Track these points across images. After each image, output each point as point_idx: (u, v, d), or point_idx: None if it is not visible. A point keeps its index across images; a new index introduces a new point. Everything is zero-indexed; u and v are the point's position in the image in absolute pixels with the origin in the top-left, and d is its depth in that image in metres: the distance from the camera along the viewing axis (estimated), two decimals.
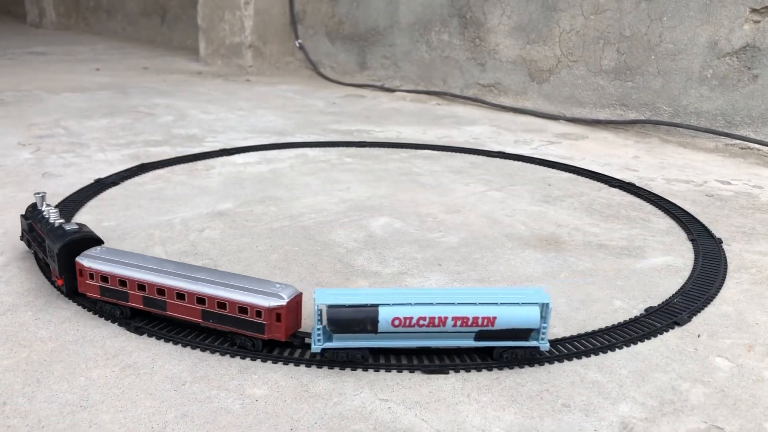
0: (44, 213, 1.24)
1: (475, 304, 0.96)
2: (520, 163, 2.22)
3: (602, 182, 2.01)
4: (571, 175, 2.09)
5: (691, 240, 1.55)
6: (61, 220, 1.20)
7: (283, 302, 0.97)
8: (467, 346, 0.99)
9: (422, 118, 2.91)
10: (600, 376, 0.98)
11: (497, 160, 2.25)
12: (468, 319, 0.95)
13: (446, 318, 0.95)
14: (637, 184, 1.97)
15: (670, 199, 1.84)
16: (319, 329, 0.96)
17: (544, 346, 0.99)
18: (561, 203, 1.80)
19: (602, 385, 0.96)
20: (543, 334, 0.98)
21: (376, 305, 0.95)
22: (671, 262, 1.43)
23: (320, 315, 0.95)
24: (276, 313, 0.97)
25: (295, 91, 3.57)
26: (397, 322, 0.95)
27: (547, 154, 2.34)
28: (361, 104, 3.25)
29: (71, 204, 1.65)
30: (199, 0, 4.40)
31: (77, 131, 2.44)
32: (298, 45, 4.23)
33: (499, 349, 0.98)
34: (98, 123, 2.59)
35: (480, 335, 0.97)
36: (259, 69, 4.21)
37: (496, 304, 0.96)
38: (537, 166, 2.18)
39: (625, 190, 1.93)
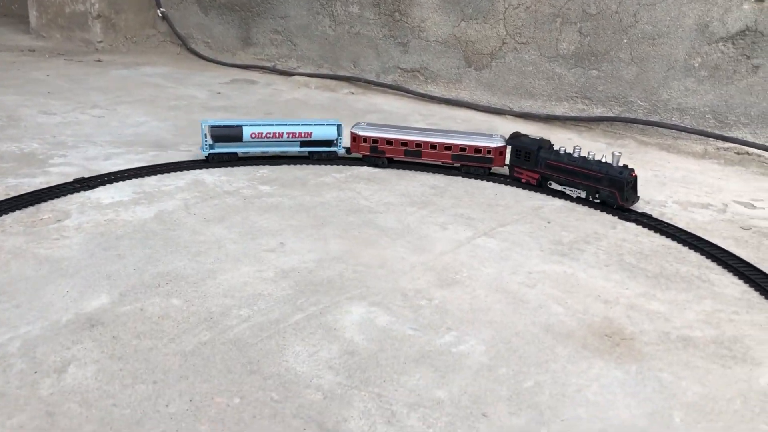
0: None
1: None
2: (491, 183, 1.71)
3: (608, 213, 1.54)
4: (564, 202, 1.61)
5: None
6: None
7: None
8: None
9: (339, 114, 2.31)
10: None
11: (459, 179, 1.73)
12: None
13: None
14: (653, 215, 1.52)
15: (706, 238, 1.41)
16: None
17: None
18: (581, 255, 1.31)
19: None
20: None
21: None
22: None
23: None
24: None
25: (164, 76, 2.83)
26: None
27: None
28: (255, 94, 2.59)
29: None
30: None
31: None
32: (160, 15, 3.45)
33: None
34: None
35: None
36: (112, 45, 3.38)
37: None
38: (515, 189, 1.68)
39: (643, 226, 1.48)
